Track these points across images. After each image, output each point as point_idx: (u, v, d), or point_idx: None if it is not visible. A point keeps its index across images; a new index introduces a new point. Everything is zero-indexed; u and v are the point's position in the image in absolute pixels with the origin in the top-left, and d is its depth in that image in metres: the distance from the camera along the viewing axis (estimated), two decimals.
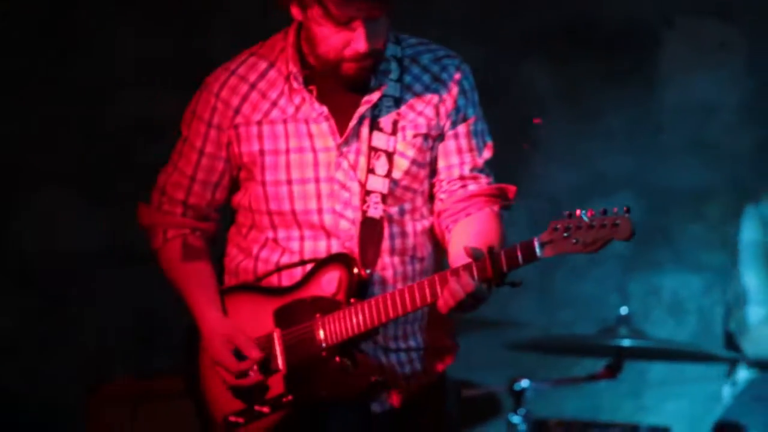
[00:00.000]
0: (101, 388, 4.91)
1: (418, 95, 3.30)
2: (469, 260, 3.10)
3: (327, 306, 3.23)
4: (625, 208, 3.02)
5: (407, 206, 3.31)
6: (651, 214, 5.85)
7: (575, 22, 5.88)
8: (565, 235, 3.04)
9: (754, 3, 5.85)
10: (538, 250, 3.06)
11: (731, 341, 5.23)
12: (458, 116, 3.32)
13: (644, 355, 5.36)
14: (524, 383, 5.02)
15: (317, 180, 3.26)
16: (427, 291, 3.14)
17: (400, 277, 3.30)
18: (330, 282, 3.24)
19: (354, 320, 3.19)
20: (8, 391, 5.59)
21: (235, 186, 3.37)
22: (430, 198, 3.35)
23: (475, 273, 3.09)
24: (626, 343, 4.96)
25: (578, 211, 3.03)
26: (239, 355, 3.27)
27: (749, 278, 5.23)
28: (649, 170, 5.88)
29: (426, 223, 3.34)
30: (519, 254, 3.07)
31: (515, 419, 4.97)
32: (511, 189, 3.36)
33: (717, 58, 5.87)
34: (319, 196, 3.26)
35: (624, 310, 5.04)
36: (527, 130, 5.89)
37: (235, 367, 3.26)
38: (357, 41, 3.17)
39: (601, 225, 3.02)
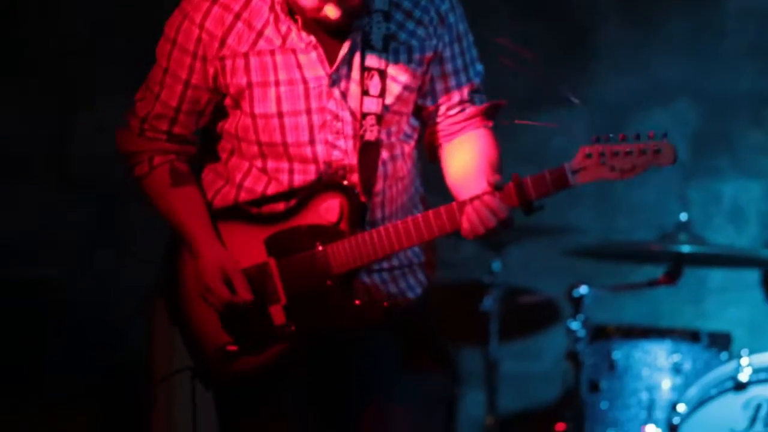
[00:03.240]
0: None
1: (407, 13, 3.20)
2: (487, 188, 3.07)
3: (328, 235, 3.17)
4: (663, 133, 2.99)
5: (393, 128, 3.24)
6: (711, 120, 5.80)
7: None
8: (601, 162, 3.01)
9: None
10: (570, 177, 3.02)
11: None
12: (452, 34, 3.24)
13: (704, 262, 5.35)
14: (583, 290, 5.03)
15: (309, 111, 3.17)
16: (445, 219, 3.10)
17: (387, 201, 3.26)
18: (330, 210, 3.18)
19: (363, 250, 3.15)
20: (66, 290, 5.69)
21: (217, 111, 3.27)
22: (414, 115, 3.29)
23: (500, 200, 3.05)
24: (686, 249, 4.95)
25: (607, 137, 3.00)
26: (231, 287, 3.20)
27: None
28: (709, 76, 5.83)
29: (411, 142, 3.29)
30: (549, 182, 3.02)
31: (574, 325, 4.98)
32: (502, 103, 3.32)
33: None
34: (311, 128, 3.18)
35: (684, 217, 5.02)
36: (584, 39, 5.85)
37: (226, 297, 3.19)
38: (328, 10, 3.08)
39: (640, 151, 2.99)
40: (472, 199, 3.09)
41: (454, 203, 3.12)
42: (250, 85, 3.18)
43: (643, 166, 3.00)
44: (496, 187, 3.06)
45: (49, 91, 5.72)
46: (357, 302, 3.20)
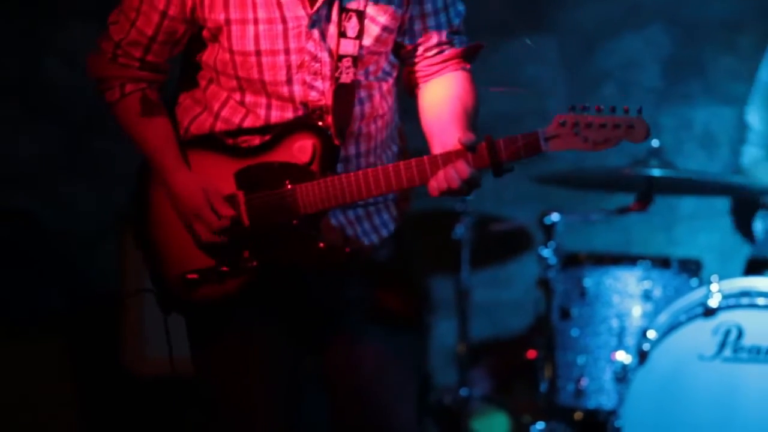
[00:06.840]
0: None
1: None
2: (458, 145, 3.06)
3: (298, 174, 3.16)
4: (638, 108, 3.00)
5: (372, 68, 3.22)
6: (683, 46, 5.78)
7: None
8: (574, 131, 3.01)
9: None
10: (543, 144, 3.02)
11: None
12: None
13: (675, 188, 5.35)
14: (554, 217, 5.03)
15: (287, 51, 3.14)
16: (415, 172, 3.08)
17: (364, 139, 3.24)
18: (303, 150, 3.16)
19: (332, 193, 3.14)
20: (35, 219, 5.65)
21: (196, 41, 3.23)
22: (393, 53, 3.27)
23: (471, 160, 3.05)
24: (657, 175, 4.94)
25: (583, 106, 3.00)
26: (215, 212, 3.19)
27: (753, 118, 5.20)
28: (681, 1, 5.79)
29: (390, 80, 3.27)
30: (521, 146, 3.03)
31: (545, 253, 5.00)
32: (481, 46, 3.29)
33: None
34: (289, 68, 3.15)
35: (655, 143, 5.00)
36: None
37: (216, 224, 3.18)
38: None
39: (614, 125, 3.00)
40: (443, 157, 3.07)
41: (426, 158, 3.10)
42: (228, 21, 3.14)
43: (616, 140, 3.02)
44: (468, 148, 3.05)
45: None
46: (321, 245, 3.19)
